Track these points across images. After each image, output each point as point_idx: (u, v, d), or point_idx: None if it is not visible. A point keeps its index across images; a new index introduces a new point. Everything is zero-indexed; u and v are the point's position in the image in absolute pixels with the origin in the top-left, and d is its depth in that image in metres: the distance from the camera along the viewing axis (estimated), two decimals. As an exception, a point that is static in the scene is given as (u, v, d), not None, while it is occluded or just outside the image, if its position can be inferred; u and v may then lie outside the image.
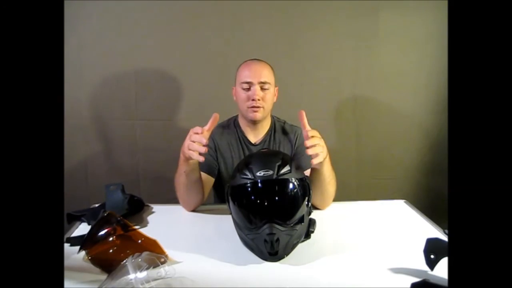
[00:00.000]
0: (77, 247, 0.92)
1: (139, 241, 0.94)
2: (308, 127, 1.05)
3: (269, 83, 1.29)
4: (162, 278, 0.82)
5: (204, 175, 1.26)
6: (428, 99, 1.96)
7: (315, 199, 1.18)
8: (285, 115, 1.48)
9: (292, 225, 0.93)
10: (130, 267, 0.79)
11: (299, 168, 1.01)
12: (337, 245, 1.00)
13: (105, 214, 1.00)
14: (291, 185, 0.95)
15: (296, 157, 1.35)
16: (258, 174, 0.93)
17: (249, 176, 0.94)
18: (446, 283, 0.76)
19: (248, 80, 1.28)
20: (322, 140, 1.03)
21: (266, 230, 0.89)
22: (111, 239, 0.91)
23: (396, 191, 2.01)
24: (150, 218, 1.20)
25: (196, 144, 1.01)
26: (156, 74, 1.87)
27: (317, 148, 0.99)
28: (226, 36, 1.85)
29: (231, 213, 1.01)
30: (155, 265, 0.84)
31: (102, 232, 0.93)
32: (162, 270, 0.84)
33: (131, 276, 0.78)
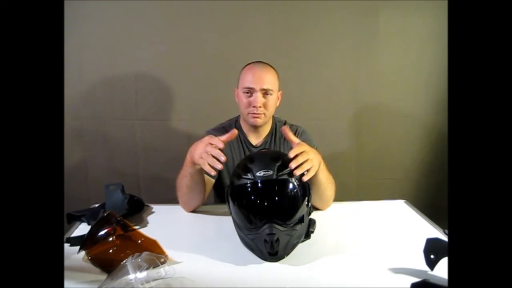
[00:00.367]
0: (77, 247, 0.92)
1: (139, 241, 0.94)
2: (295, 142, 1.01)
3: (271, 89, 1.26)
4: (162, 278, 0.82)
5: (204, 176, 1.26)
6: (428, 99, 1.96)
7: (314, 201, 1.19)
8: (285, 115, 1.48)
9: (292, 225, 0.93)
10: (130, 267, 0.79)
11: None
12: (337, 245, 1.00)
13: (105, 214, 1.00)
14: (291, 185, 0.95)
15: None
16: (258, 174, 0.93)
17: (249, 176, 0.94)
18: (446, 283, 0.76)
19: (250, 86, 1.25)
20: (310, 152, 0.98)
21: (266, 230, 0.89)
22: (111, 239, 0.91)
23: (396, 191, 2.01)
24: (150, 218, 1.20)
25: (211, 158, 0.97)
26: (156, 74, 1.87)
27: (304, 166, 0.94)
28: (226, 36, 1.85)
29: (231, 213, 1.01)
30: (155, 265, 0.84)
31: (102, 232, 0.93)
32: (162, 270, 0.84)
33: (131, 276, 0.78)
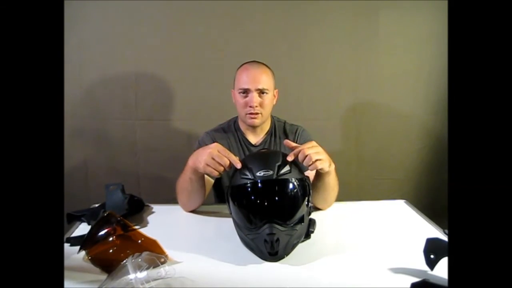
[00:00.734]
0: (77, 247, 0.92)
1: (139, 241, 0.94)
2: (301, 146, 1.00)
3: (267, 89, 1.26)
4: (162, 278, 0.82)
5: (205, 176, 1.26)
6: (428, 99, 1.96)
7: (317, 201, 1.20)
8: (285, 115, 1.48)
9: (292, 225, 0.93)
10: (130, 267, 0.79)
11: (301, 168, 1.01)
12: (337, 245, 1.00)
13: (105, 214, 1.00)
14: (291, 185, 0.95)
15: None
16: (258, 174, 0.93)
17: (249, 176, 0.94)
18: (446, 283, 0.76)
19: (246, 86, 1.26)
20: (323, 151, 1.01)
21: (266, 230, 0.89)
22: (111, 239, 0.91)
23: (396, 191, 2.01)
24: (150, 218, 1.20)
25: (218, 165, 0.99)
26: (156, 74, 1.87)
27: (320, 163, 0.98)
28: (226, 36, 1.85)
29: (231, 213, 1.01)
30: (155, 265, 0.84)
31: (102, 232, 0.93)
32: (162, 270, 0.83)
33: (131, 276, 0.78)
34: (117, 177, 1.84)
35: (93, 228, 0.96)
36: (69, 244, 0.98)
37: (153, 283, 0.79)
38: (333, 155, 1.13)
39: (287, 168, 0.95)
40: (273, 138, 1.38)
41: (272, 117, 1.42)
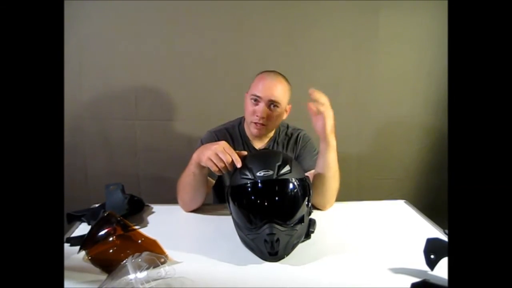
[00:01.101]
0: (77, 247, 0.92)
1: (139, 241, 0.94)
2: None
3: (278, 102, 1.24)
4: (162, 278, 0.82)
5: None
6: (428, 99, 1.96)
7: (318, 197, 1.18)
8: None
9: (292, 225, 0.93)
10: (130, 267, 0.79)
11: (302, 169, 1.01)
12: (337, 245, 1.00)
13: (105, 214, 1.00)
14: (291, 185, 0.95)
15: (299, 158, 1.34)
16: (258, 174, 0.93)
17: (249, 176, 0.94)
18: (446, 283, 0.76)
19: (258, 94, 1.23)
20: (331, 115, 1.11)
21: (266, 230, 0.89)
22: (111, 239, 0.91)
23: (396, 191, 2.01)
24: (150, 218, 1.20)
25: (220, 161, 0.99)
26: (156, 74, 1.87)
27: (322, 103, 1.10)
28: (226, 36, 1.85)
29: (231, 213, 1.01)
30: (155, 265, 0.84)
31: (102, 232, 0.93)
32: (162, 270, 0.84)
33: (131, 276, 0.78)
34: (117, 177, 1.84)
35: (93, 228, 0.96)
36: (69, 244, 0.98)
37: (153, 283, 0.79)
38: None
39: (287, 168, 0.95)
40: (276, 143, 1.38)
41: None
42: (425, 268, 0.84)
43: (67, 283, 0.79)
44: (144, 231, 0.98)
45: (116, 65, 1.85)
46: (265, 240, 0.90)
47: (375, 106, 1.96)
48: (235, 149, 1.33)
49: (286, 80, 1.30)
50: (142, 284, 0.77)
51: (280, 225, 0.90)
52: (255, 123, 1.26)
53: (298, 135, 1.39)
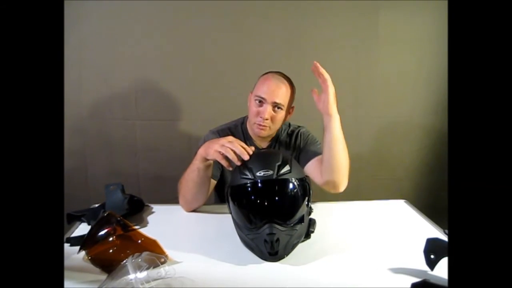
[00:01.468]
0: (77, 247, 0.92)
1: (139, 241, 0.94)
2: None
3: (282, 104, 1.24)
4: (162, 278, 0.82)
5: None
6: (428, 99, 1.96)
7: (330, 176, 1.17)
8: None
9: (292, 225, 0.93)
10: (130, 267, 0.79)
11: (302, 169, 1.00)
12: (337, 245, 1.00)
13: (105, 214, 1.00)
14: (291, 185, 0.95)
15: (303, 152, 1.34)
16: (258, 174, 0.93)
17: (249, 176, 0.94)
18: (446, 283, 0.76)
19: (263, 96, 1.23)
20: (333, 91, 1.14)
21: (266, 230, 0.89)
22: (111, 239, 0.91)
23: (396, 191, 2.01)
24: (150, 218, 1.20)
25: (229, 150, 1.00)
26: (156, 74, 1.87)
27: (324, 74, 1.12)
28: (226, 36, 1.85)
29: (231, 213, 1.01)
30: (155, 265, 0.84)
31: (102, 232, 0.93)
32: (162, 270, 0.84)
33: (131, 276, 0.78)
34: (117, 177, 1.84)
35: (93, 228, 0.96)
36: (69, 244, 0.98)
37: (153, 283, 0.79)
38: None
39: (287, 168, 0.95)
40: (278, 143, 1.38)
41: None
42: (425, 268, 0.84)
43: (67, 283, 0.79)
44: (144, 231, 0.98)
45: (116, 65, 1.84)
46: (265, 240, 0.90)
47: (375, 106, 1.96)
48: None
49: (291, 81, 1.30)
50: (142, 284, 0.77)
51: (280, 225, 0.90)
52: (259, 124, 1.26)
53: (298, 132, 1.39)
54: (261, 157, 1.01)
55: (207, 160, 1.10)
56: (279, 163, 0.95)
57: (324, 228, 1.07)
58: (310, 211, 1.01)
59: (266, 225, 0.89)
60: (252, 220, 0.93)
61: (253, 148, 1.02)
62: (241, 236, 0.98)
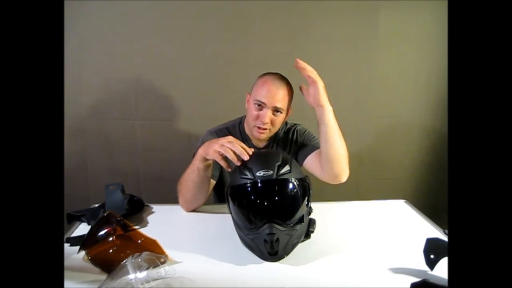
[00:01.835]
0: (77, 247, 0.92)
1: (139, 241, 0.94)
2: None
3: (282, 108, 1.24)
4: (162, 278, 0.82)
5: None
6: (428, 99, 1.96)
7: (330, 168, 1.17)
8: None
9: (292, 225, 0.93)
10: (130, 267, 0.79)
11: (301, 169, 1.01)
12: (337, 245, 1.00)
13: (105, 214, 1.00)
14: (291, 185, 0.95)
15: (300, 148, 1.34)
16: (258, 174, 0.93)
17: (249, 176, 0.94)
18: (446, 283, 0.76)
19: (263, 100, 1.22)
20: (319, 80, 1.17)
21: (266, 230, 0.89)
22: (111, 239, 0.91)
23: (396, 191, 2.01)
24: (150, 218, 1.20)
25: (228, 150, 1.00)
26: (156, 74, 1.87)
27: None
28: (226, 36, 1.85)
29: (231, 213, 1.01)
30: (155, 265, 0.84)
31: (102, 232, 0.93)
32: (162, 270, 0.84)
33: (131, 276, 0.78)
34: (117, 177, 1.84)
35: (93, 228, 0.96)
36: (69, 244, 0.98)
37: (153, 283, 0.79)
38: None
39: (287, 168, 0.95)
40: (275, 143, 1.38)
41: None
42: (425, 268, 0.84)
43: (67, 283, 0.79)
44: (144, 231, 0.98)
45: (116, 65, 1.84)
46: (265, 240, 0.90)
47: (375, 106, 1.96)
48: None
49: (289, 83, 1.29)
50: (142, 284, 0.77)
51: (280, 225, 0.90)
52: (259, 127, 1.26)
53: (294, 129, 1.39)
54: (261, 157, 1.01)
55: (207, 160, 1.10)
56: (279, 163, 0.95)
57: (324, 228, 1.07)
58: (310, 211, 1.01)
59: (266, 225, 0.89)
60: (252, 220, 0.93)
61: (252, 149, 1.02)
62: (241, 236, 0.98)
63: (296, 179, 0.96)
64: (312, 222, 1.03)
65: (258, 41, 1.85)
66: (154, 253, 0.87)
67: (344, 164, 1.20)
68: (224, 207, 1.03)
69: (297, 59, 1.13)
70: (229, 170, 1.05)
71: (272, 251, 0.90)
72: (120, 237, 0.92)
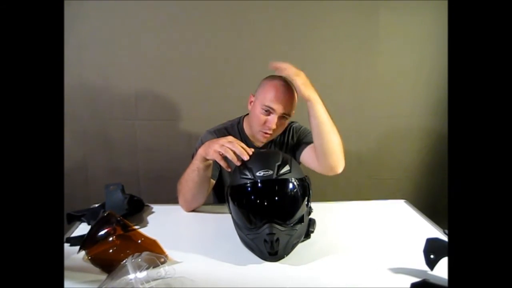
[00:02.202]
0: (77, 247, 0.92)
1: (139, 241, 0.94)
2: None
3: (289, 115, 1.24)
4: (162, 278, 0.82)
5: None
6: (428, 99, 1.96)
7: (325, 159, 1.16)
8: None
9: (292, 225, 0.93)
10: (130, 267, 0.79)
11: (301, 169, 1.01)
12: (337, 245, 1.00)
13: (105, 214, 1.00)
14: (291, 185, 0.95)
15: (298, 144, 1.34)
16: (258, 174, 0.93)
17: (249, 176, 0.94)
18: (446, 283, 0.76)
19: (273, 106, 1.19)
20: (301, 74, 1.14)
21: (266, 230, 0.89)
22: (111, 239, 0.91)
23: (396, 191, 2.01)
24: (150, 218, 1.20)
25: (228, 150, 1.00)
26: (156, 73, 1.87)
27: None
28: (226, 36, 1.85)
29: (230, 213, 1.01)
30: (155, 265, 0.84)
31: (102, 232, 0.93)
32: (162, 270, 0.84)
33: (131, 276, 0.78)
34: (117, 177, 1.84)
35: (93, 228, 0.96)
36: (69, 244, 0.98)
37: (153, 283, 0.79)
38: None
39: (287, 168, 0.95)
40: (272, 143, 1.38)
41: None
42: (425, 268, 0.84)
43: (67, 283, 0.79)
44: (144, 231, 0.98)
45: (116, 65, 1.84)
46: (265, 240, 0.90)
47: (375, 106, 1.96)
48: None
49: (293, 88, 1.25)
50: (142, 284, 0.77)
51: (280, 225, 0.90)
52: (265, 132, 1.25)
53: (290, 127, 1.39)
54: (261, 157, 1.01)
55: (207, 160, 1.10)
56: (279, 163, 0.95)
57: (324, 228, 1.07)
58: (310, 211, 1.01)
59: (266, 225, 0.89)
60: (252, 220, 0.94)
61: (252, 149, 1.02)
62: (241, 236, 0.98)
63: (296, 179, 0.96)
64: (312, 222, 1.03)
65: (258, 41, 1.85)
66: (154, 253, 0.87)
67: (339, 155, 1.19)
68: (224, 207, 1.03)
69: (271, 63, 1.14)
70: (229, 170, 1.05)
71: (272, 251, 0.90)
72: (120, 237, 0.92)
